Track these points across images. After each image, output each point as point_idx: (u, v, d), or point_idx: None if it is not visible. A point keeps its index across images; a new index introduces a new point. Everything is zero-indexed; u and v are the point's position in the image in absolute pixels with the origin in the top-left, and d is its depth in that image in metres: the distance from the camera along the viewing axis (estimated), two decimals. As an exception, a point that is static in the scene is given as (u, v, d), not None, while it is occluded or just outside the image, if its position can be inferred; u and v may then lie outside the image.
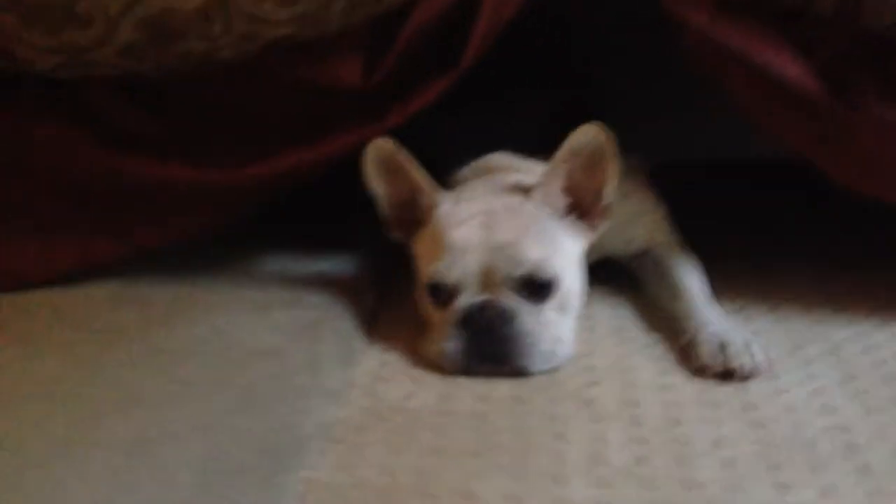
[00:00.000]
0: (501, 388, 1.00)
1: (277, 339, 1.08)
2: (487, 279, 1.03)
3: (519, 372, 1.01)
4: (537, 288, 1.03)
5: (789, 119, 1.07)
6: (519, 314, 1.01)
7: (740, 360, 0.99)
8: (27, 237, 1.18)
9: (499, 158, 1.20)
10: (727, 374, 1.00)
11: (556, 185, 1.07)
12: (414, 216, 1.12)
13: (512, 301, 1.02)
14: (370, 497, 0.81)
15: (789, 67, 1.03)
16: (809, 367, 1.03)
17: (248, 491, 0.80)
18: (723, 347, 1.01)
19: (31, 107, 1.10)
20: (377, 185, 1.11)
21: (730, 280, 1.23)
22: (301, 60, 1.06)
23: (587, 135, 1.03)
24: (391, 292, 1.27)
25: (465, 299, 1.03)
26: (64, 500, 0.79)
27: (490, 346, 1.01)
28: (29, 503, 0.78)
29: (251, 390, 0.97)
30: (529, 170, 1.16)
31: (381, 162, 1.09)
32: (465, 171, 1.20)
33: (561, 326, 1.04)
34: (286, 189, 1.17)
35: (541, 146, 1.15)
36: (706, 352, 1.02)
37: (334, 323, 1.13)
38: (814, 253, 1.34)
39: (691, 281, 1.17)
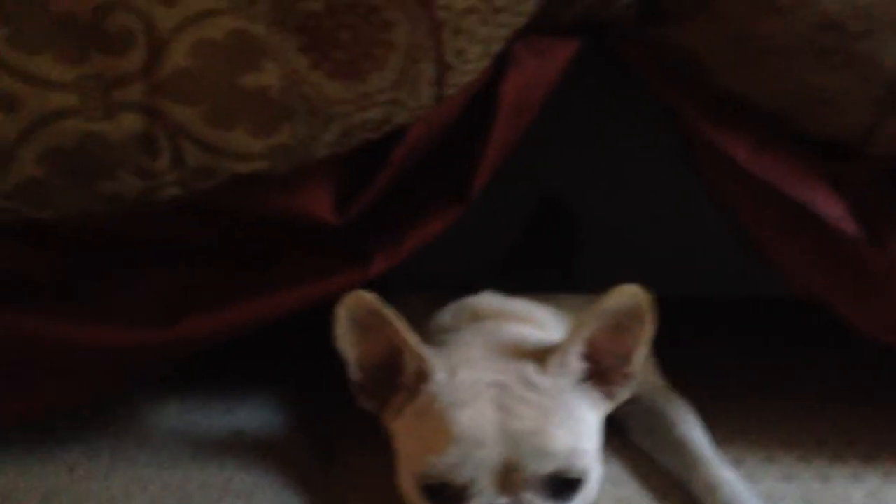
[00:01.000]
0: None
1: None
2: (506, 478, 0.82)
3: None
4: (565, 487, 0.83)
5: (818, 260, 0.96)
6: (548, 524, 0.81)
7: None
8: None
9: (484, 301, 0.99)
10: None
11: (577, 349, 0.87)
12: (391, 382, 0.89)
13: (538, 507, 0.82)
14: None
15: (830, 207, 0.91)
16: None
17: None
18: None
19: None
20: (349, 345, 0.87)
21: (721, 426, 1.09)
22: (256, 191, 0.80)
23: (625, 295, 0.85)
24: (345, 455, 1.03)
25: (481, 504, 0.81)
26: None
27: (515, 564, 0.80)
28: None
29: None
30: (524, 315, 0.96)
31: (359, 318, 0.86)
32: (444, 316, 0.98)
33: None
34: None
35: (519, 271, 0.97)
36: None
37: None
38: (809, 395, 1.23)
39: (698, 438, 1.02)
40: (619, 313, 0.86)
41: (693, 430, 1.03)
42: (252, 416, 1.09)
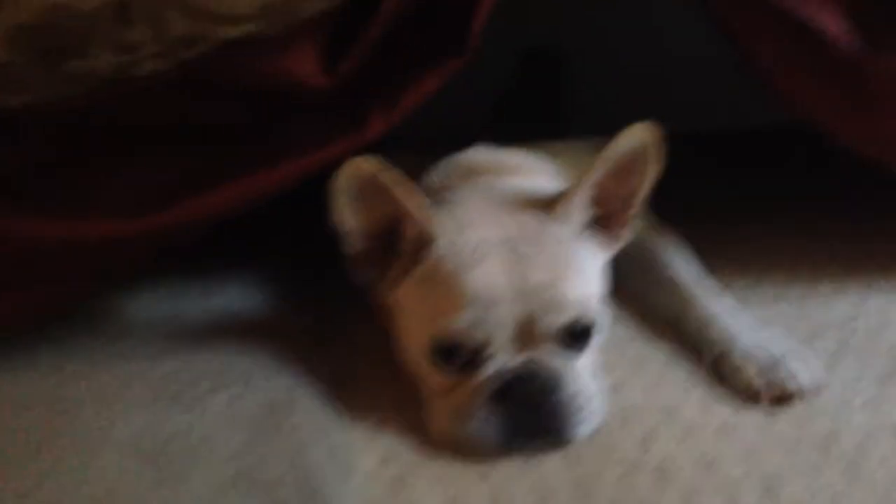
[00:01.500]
0: (556, 471, 0.79)
1: (234, 455, 0.77)
2: (523, 334, 0.80)
3: (563, 443, 0.81)
4: (580, 335, 0.82)
5: (818, 79, 0.93)
6: (565, 374, 0.80)
7: (797, 380, 0.86)
8: None
9: (477, 155, 0.94)
10: (779, 400, 0.87)
11: (585, 195, 0.84)
12: (388, 253, 0.84)
13: (555, 359, 0.80)
14: None
15: (831, 23, 0.88)
16: (840, 369, 0.93)
17: None
18: (770, 367, 0.87)
19: None
20: (349, 215, 0.81)
21: (707, 256, 1.09)
22: (242, 58, 0.71)
23: (634, 137, 0.81)
24: (331, 332, 0.99)
25: (498, 364, 0.80)
26: None
27: (539, 420, 0.80)
28: None
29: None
30: (520, 167, 0.92)
31: (359, 186, 0.80)
32: (436, 175, 0.93)
33: (595, 371, 0.85)
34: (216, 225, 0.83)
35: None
36: (752, 376, 0.87)
37: (299, 407, 0.84)
38: (791, 220, 1.23)
39: (689, 271, 1.02)
40: (628, 154, 0.82)
41: (684, 268, 1.02)
42: (232, 299, 1.04)
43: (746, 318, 0.95)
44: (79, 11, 0.62)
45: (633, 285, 1.04)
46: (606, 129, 0.99)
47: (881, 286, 1.07)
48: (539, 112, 1.11)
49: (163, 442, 0.78)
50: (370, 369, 0.94)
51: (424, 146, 0.96)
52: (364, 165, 0.78)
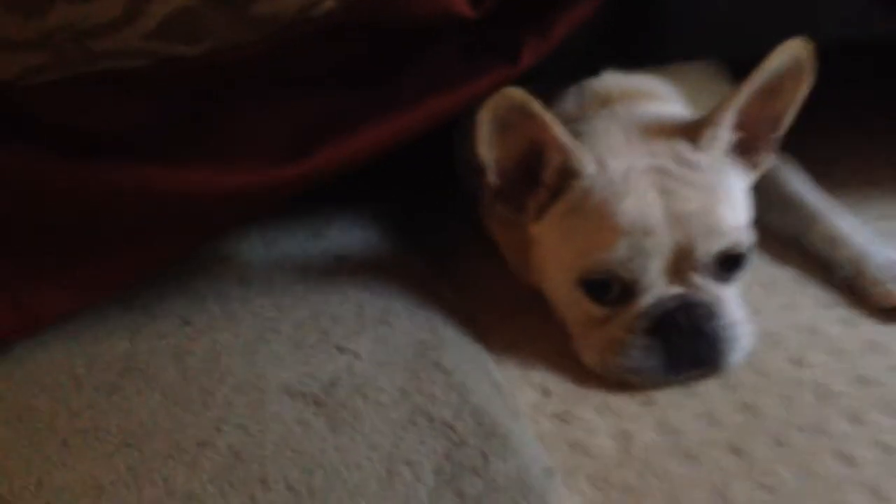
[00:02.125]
0: (717, 398, 0.78)
1: (402, 398, 0.75)
2: (677, 264, 0.78)
3: (721, 370, 0.80)
4: (733, 263, 0.81)
5: None
6: (721, 303, 0.79)
7: None
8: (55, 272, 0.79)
9: (608, 81, 0.90)
10: (917, 315, 0.86)
11: (730, 120, 0.81)
12: (531, 185, 0.82)
13: (711, 288, 0.79)
14: None
15: None
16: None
17: None
18: (904, 283, 0.87)
19: None
20: (492, 148, 0.79)
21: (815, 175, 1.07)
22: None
23: (788, 55, 0.78)
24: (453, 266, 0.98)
25: (655, 294, 0.78)
26: None
27: (698, 350, 0.79)
28: None
29: (445, 493, 0.66)
30: (654, 93, 0.89)
31: (505, 117, 0.77)
32: (567, 104, 0.89)
33: (738, 301, 0.84)
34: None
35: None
36: (887, 294, 0.87)
37: (448, 345, 0.83)
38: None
39: (809, 190, 1.00)
40: (779, 74, 0.80)
41: (805, 186, 1.01)
42: (345, 236, 1.01)
43: (871, 235, 0.93)
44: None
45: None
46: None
47: None
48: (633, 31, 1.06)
49: (326, 386, 0.76)
50: (500, 304, 0.93)
51: (544, 78, 0.92)
52: (516, 95, 0.75)
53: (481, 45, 0.77)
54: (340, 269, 0.96)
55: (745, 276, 0.84)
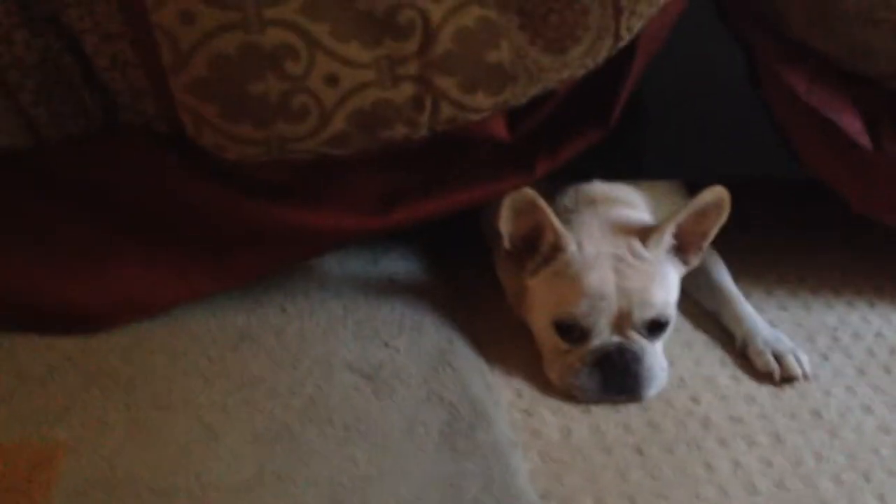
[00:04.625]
0: (633, 415, 1.11)
1: (423, 382, 1.09)
2: (619, 322, 1.12)
3: (640, 399, 1.13)
4: (657, 327, 1.14)
5: (837, 162, 1.22)
6: (645, 353, 1.12)
7: (796, 370, 1.18)
8: (139, 267, 1.10)
9: (596, 188, 1.24)
10: (785, 380, 1.18)
11: (671, 230, 1.15)
12: (531, 251, 1.15)
13: (640, 342, 1.12)
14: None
15: (852, 124, 1.17)
16: (830, 362, 1.25)
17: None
18: (778, 358, 1.19)
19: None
20: (510, 224, 1.13)
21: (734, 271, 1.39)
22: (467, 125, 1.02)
23: (713, 194, 1.11)
24: (468, 299, 1.31)
25: (600, 341, 1.11)
26: None
27: (624, 382, 1.12)
28: None
29: (453, 452, 0.99)
30: (626, 200, 1.23)
31: (520, 207, 1.11)
32: (566, 199, 1.23)
33: (662, 353, 1.17)
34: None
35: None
36: (766, 363, 1.19)
37: (459, 352, 1.16)
38: (798, 247, 1.53)
39: (728, 282, 1.32)
40: (707, 205, 1.13)
41: (724, 276, 1.33)
42: (396, 264, 1.34)
43: (763, 321, 1.26)
44: (393, 102, 0.91)
45: (687, 286, 1.35)
46: (675, 167, 1.28)
47: (866, 301, 1.38)
48: (626, 150, 1.40)
49: (375, 367, 1.10)
50: (498, 329, 1.25)
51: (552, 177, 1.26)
52: (528, 192, 1.09)
53: (508, 158, 1.11)
54: (391, 287, 1.29)
55: (668, 336, 1.18)
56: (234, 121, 0.89)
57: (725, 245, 1.40)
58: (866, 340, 1.30)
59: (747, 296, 1.35)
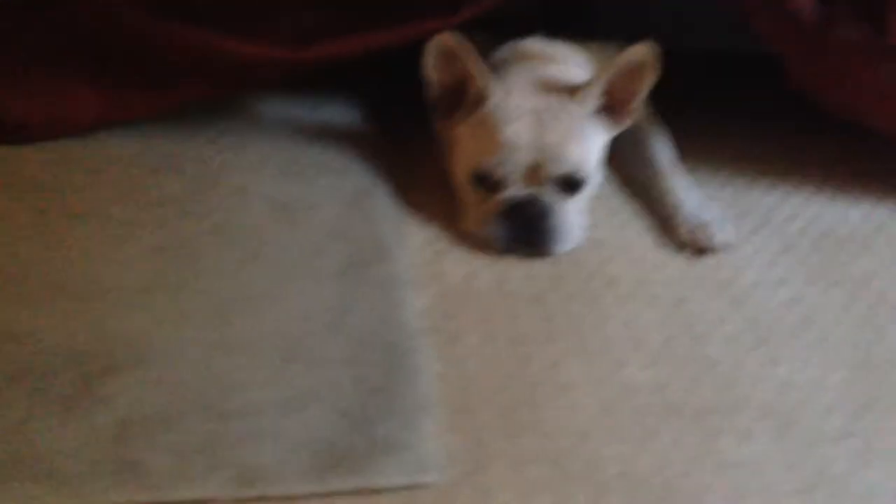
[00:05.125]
0: (541, 268, 1.13)
1: (335, 217, 1.11)
2: (532, 175, 1.12)
3: (549, 253, 1.14)
4: (573, 184, 1.13)
5: (780, 31, 1.19)
6: (556, 208, 1.12)
7: (713, 240, 1.17)
8: (76, 84, 1.14)
9: (533, 45, 1.22)
10: (702, 251, 1.19)
11: (598, 89, 1.13)
12: (456, 101, 1.15)
13: (551, 196, 1.12)
14: (487, 389, 0.95)
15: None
16: (756, 239, 1.24)
17: (391, 395, 0.90)
18: (699, 227, 1.19)
19: None
20: (434, 72, 1.12)
21: (686, 147, 1.38)
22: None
23: (639, 52, 1.09)
24: (400, 149, 1.31)
25: (512, 192, 1.12)
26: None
27: (532, 234, 1.13)
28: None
29: (347, 282, 1.02)
30: (563, 58, 1.21)
31: (445, 52, 1.10)
32: (502, 54, 1.22)
33: (582, 212, 1.17)
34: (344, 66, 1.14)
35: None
36: (685, 231, 1.18)
37: (376, 195, 1.17)
38: (747, 130, 1.50)
39: (664, 154, 1.30)
40: (632, 64, 1.11)
41: (660, 150, 1.31)
42: (334, 113, 1.35)
43: (694, 194, 1.24)
44: None
45: (624, 158, 1.34)
46: (630, 31, 1.25)
47: (814, 186, 1.36)
48: (577, 9, 1.36)
49: (289, 200, 1.12)
50: (425, 178, 1.26)
51: (498, 32, 1.24)
52: (448, 38, 1.08)
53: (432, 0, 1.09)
54: (325, 132, 1.30)
55: (589, 196, 1.18)
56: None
57: (682, 122, 1.40)
58: (800, 221, 1.29)
59: (690, 170, 1.34)
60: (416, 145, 1.31)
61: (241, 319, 0.94)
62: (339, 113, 1.35)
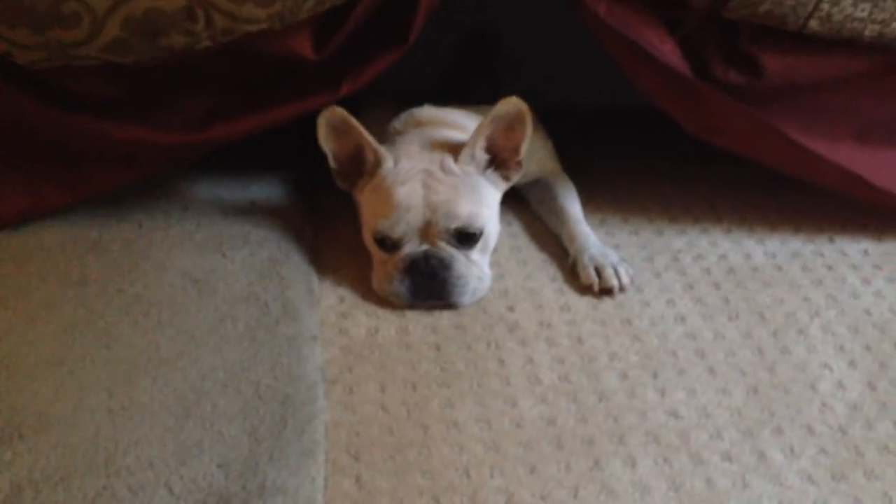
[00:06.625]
0: (444, 319, 1.16)
1: (248, 285, 1.16)
2: (427, 232, 1.17)
3: (453, 305, 1.18)
4: (467, 237, 1.18)
5: (659, 85, 1.25)
6: (453, 261, 1.17)
7: (612, 282, 1.21)
8: (7, 181, 1.19)
9: (425, 112, 1.29)
10: (605, 292, 1.22)
11: (480, 145, 1.19)
12: (358, 169, 1.22)
13: (447, 250, 1.17)
14: (377, 432, 0.98)
15: (663, 46, 1.19)
16: (661, 279, 1.28)
17: (280, 444, 0.94)
18: (599, 270, 1.22)
19: None
20: (328, 143, 1.19)
21: (594, 199, 1.44)
22: (261, 41, 1.08)
23: (509, 105, 1.15)
24: (324, 219, 1.37)
25: (409, 249, 1.17)
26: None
27: (432, 287, 1.16)
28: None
29: (252, 342, 1.07)
30: (453, 122, 1.27)
31: (333, 125, 1.16)
32: (396, 122, 1.29)
33: (483, 264, 1.21)
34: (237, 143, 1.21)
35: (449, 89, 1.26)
36: (587, 275, 1.22)
37: (291, 262, 1.23)
38: (654, 178, 1.56)
39: (572, 206, 1.36)
40: (508, 117, 1.17)
41: (568, 200, 1.36)
42: (262, 190, 1.41)
43: (596, 240, 1.29)
44: (164, 11, 0.98)
45: (535, 208, 1.40)
46: (531, 95, 1.32)
47: (723, 229, 1.39)
48: (477, 78, 1.44)
49: (206, 273, 1.17)
50: (341, 243, 1.31)
51: (393, 100, 1.32)
52: (335, 111, 1.15)
53: (315, 77, 1.15)
54: (249, 209, 1.35)
55: (487, 248, 1.21)
56: (11, 27, 0.97)
57: (590, 174, 1.46)
58: (707, 261, 1.32)
59: (602, 222, 1.39)
60: (337, 215, 1.37)
61: (144, 383, 0.98)
62: (265, 190, 1.41)
